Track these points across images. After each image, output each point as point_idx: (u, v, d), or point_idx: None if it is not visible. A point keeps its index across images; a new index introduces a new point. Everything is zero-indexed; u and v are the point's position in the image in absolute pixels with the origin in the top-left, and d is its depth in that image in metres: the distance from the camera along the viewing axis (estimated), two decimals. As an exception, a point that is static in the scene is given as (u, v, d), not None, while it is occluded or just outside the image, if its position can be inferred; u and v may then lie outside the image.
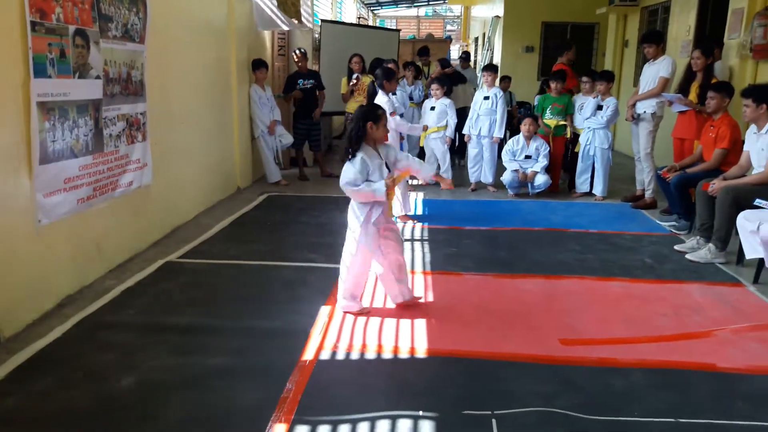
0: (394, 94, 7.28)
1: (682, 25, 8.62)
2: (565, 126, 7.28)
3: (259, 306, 3.87)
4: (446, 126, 7.16)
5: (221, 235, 5.42)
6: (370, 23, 22.41)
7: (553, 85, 7.43)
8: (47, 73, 3.57)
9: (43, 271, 3.72)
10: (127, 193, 4.62)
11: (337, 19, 14.15)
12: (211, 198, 6.47)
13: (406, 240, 5.35)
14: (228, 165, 7.04)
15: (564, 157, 7.50)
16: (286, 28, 8.21)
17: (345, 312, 3.75)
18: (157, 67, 5.00)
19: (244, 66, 7.22)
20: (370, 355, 3.27)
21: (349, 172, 3.52)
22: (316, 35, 9.37)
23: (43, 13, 3.50)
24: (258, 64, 7.38)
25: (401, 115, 7.48)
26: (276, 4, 7.96)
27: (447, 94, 7.46)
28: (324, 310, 3.78)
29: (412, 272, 4.53)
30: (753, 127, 4.88)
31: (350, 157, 3.56)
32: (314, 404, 2.77)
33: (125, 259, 4.65)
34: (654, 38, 6.62)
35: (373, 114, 3.56)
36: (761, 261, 4.27)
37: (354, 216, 3.66)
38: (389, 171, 3.66)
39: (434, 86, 7.31)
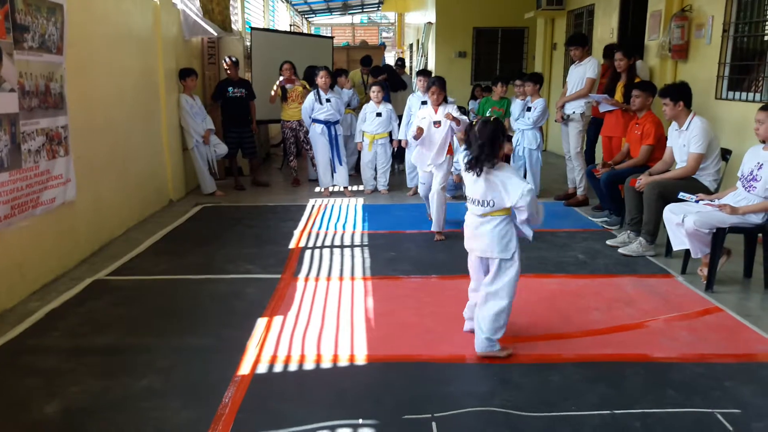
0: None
1: (606, 27, 8.91)
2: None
3: (191, 322, 3.74)
4: (390, 132, 7.29)
5: (152, 250, 5.25)
6: (305, 31, 22.28)
7: (495, 88, 7.56)
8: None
9: (-42, 296, 3.50)
10: (49, 210, 4.41)
11: (270, 27, 14.00)
12: (142, 212, 6.27)
13: (346, 246, 5.31)
14: (159, 177, 6.83)
15: (506, 159, 7.63)
16: (214, 33, 8.06)
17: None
18: (79, 78, 4.81)
19: (173, 75, 7.04)
20: (309, 365, 3.21)
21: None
22: (248, 43, 9.24)
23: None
24: (186, 73, 7.20)
25: (337, 122, 7.50)
26: (201, 13, 7.80)
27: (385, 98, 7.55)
28: (261, 323, 3.70)
29: (352, 278, 4.50)
30: (674, 124, 5.06)
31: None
32: (251, 420, 2.69)
33: (50, 279, 4.44)
34: (578, 41, 6.81)
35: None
36: (688, 252, 4.42)
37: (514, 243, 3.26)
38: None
39: (375, 88, 7.31)
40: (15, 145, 3.95)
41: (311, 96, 7.42)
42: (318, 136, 7.44)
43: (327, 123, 7.43)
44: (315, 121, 7.45)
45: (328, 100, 7.38)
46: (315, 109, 7.39)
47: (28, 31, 4.08)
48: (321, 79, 7.33)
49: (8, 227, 3.92)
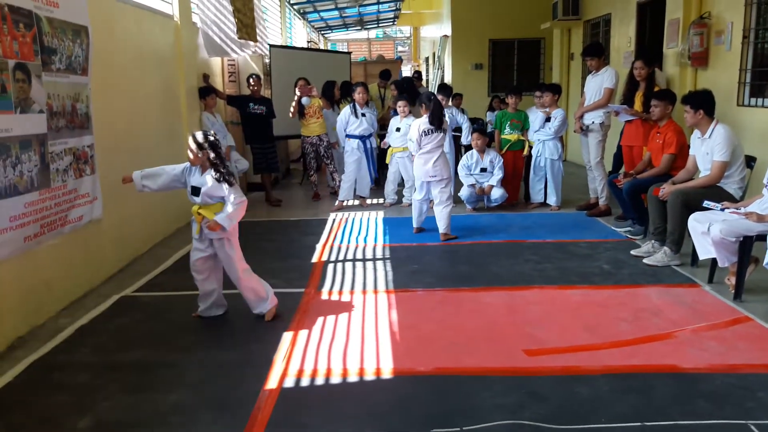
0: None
1: (623, 36, 8.89)
2: (523, 141, 7.38)
3: (218, 336, 3.78)
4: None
5: (178, 266, 5.30)
6: (322, 47, 22.46)
7: (510, 100, 7.54)
8: (-12, 109, 3.46)
9: (-10, 314, 3.56)
10: (77, 228, 4.49)
11: (288, 44, 14.13)
12: (167, 228, 6.34)
13: (368, 260, 5.33)
14: (183, 193, 6.88)
15: (526, 170, 7.58)
16: (235, 55, 8.16)
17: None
18: (103, 98, 4.90)
19: (194, 93, 7.14)
20: (336, 379, 3.22)
21: None
22: (267, 60, 9.35)
23: (-20, 48, 3.39)
24: (206, 91, 7.30)
25: (371, 135, 7.72)
26: (236, 29, 7.90)
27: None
28: (287, 336, 3.71)
29: (375, 292, 4.51)
30: (697, 132, 5.02)
31: None
32: (280, 433, 2.70)
33: (79, 295, 4.50)
34: (594, 51, 6.79)
35: None
36: (714, 261, 4.37)
37: None
38: None
39: (401, 102, 7.30)
40: (44, 165, 4.03)
41: (347, 109, 7.62)
42: (353, 152, 7.60)
43: (362, 137, 7.62)
44: (349, 136, 7.61)
45: (363, 115, 7.57)
46: (350, 122, 7.55)
47: (56, 54, 4.17)
48: (359, 95, 7.57)
49: (38, 245, 3.99)
